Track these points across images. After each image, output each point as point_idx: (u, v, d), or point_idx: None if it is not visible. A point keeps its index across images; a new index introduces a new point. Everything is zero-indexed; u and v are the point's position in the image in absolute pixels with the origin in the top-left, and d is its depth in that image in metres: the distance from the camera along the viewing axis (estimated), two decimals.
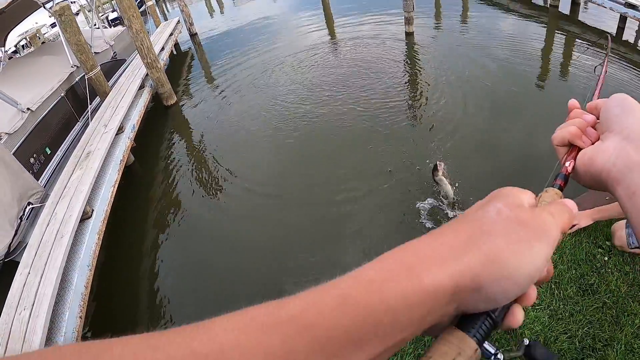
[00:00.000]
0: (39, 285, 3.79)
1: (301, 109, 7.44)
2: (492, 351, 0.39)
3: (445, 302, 0.35)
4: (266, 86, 8.87)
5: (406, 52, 8.88)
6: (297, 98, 7.91)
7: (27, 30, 22.07)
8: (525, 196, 0.43)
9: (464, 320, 0.38)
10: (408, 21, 9.38)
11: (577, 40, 8.11)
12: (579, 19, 8.99)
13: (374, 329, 0.32)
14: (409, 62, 8.43)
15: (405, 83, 7.63)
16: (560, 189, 0.51)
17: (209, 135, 7.66)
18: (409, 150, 5.64)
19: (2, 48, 10.90)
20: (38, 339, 3.25)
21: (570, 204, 0.44)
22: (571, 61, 7.34)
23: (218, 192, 6.01)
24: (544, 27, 8.98)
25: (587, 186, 0.54)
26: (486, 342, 0.38)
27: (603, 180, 0.50)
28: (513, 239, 0.37)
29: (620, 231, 2.84)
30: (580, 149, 0.55)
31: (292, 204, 5.34)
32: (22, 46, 23.98)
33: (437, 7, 11.17)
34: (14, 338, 3.33)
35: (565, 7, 9.33)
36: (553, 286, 2.80)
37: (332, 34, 11.43)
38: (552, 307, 2.70)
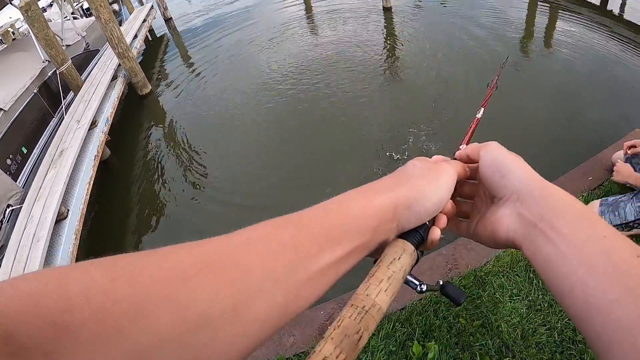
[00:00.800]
0: None
1: (280, 90, 7.41)
2: (417, 282, 0.52)
3: (390, 217, 0.50)
4: (245, 67, 8.80)
5: (385, 26, 8.76)
6: (276, 78, 7.88)
7: (1, 26, 21.59)
8: (432, 158, 0.60)
9: (402, 235, 0.53)
10: None
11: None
12: None
13: (345, 231, 0.45)
14: (389, 37, 8.31)
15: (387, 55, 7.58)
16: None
17: (186, 121, 7.59)
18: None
19: None
20: None
21: (461, 163, 0.60)
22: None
23: (198, 182, 5.95)
24: None
25: (495, 247, 0.59)
26: (411, 276, 0.52)
27: (510, 246, 0.54)
28: (426, 177, 0.54)
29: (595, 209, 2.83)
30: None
31: (277, 191, 5.33)
32: None
33: None
34: None
35: None
36: (531, 275, 2.72)
37: (308, 9, 11.24)
38: (530, 298, 2.62)
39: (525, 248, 0.50)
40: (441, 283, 0.55)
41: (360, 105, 6.36)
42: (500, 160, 0.54)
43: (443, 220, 0.56)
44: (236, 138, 6.52)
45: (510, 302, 2.63)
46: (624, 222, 2.70)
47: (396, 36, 8.46)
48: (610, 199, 2.88)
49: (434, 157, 0.60)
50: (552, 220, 0.47)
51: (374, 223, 0.48)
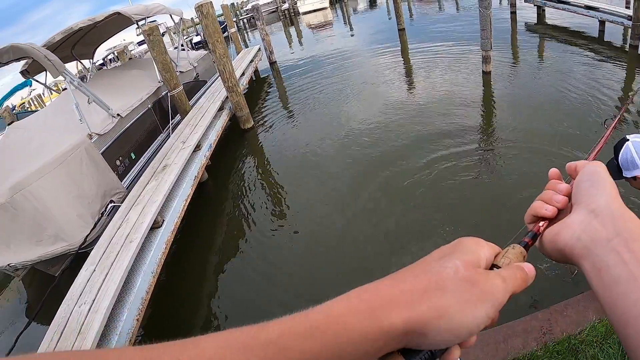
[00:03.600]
0: (102, 283, 3.98)
1: (373, 150, 7.31)
2: None
3: (397, 340, 0.41)
4: (340, 120, 9.06)
5: (483, 92, 8.71)
6: (369, 137, 7.81)
7: (115, 46, 23.89)
8: (484, 252, 0.49)
9: (408, 350, 0.44)
10: (486, 60, 9.09)
11: None
12: None
13: (338, 356, 0.39)
14: (486, 104, 8.20)
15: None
16: (527, 247, 0.55)
17: (280, 163, 7.93)
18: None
19: (91, 60, 12.01)
20: (94, 333, 3.39)
21: (528, 268, 0.50)
22: None
23: (285, 220, 6.13)
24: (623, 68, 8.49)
25: (555, 260, 0.55)
26: None
27: (567, 254, 0.51)
28: (462, 298, 0.43)
29: None
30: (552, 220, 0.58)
31: (358, 245, 5.20)
32: (109, 60, 25.98)
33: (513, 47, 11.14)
34: (69, 328, 3.52)
35: None
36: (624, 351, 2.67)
37: (408, 70, 11.58)
38: None
39: (589, 261, 0.47)
40: None
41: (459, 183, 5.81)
42: (598, 174, 0.54)
43: (471, 343, 0.46)
44: (324, 192, 6.53)
45: None
46: None
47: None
48: None
49: (486, 249, 0.50)
50: (629, 241, 0.45)
51: (375, 346, 0.41)
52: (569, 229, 0.51)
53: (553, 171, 0.64)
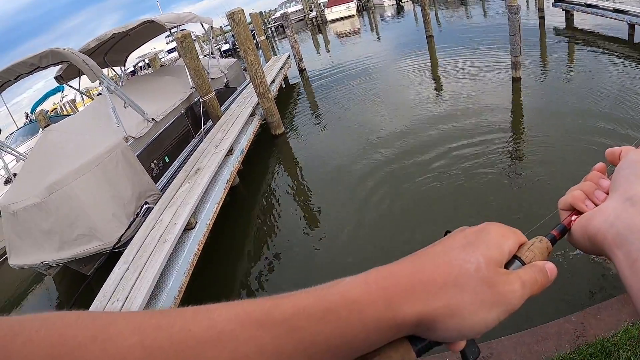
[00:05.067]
0: (135, 281, 4.06)
1: (404, 159, 7.14)
2: None
3: (408, 329, 0.41)
4: (369, 127, 8.98)
5: (513, 98, 8.52)
6: (399, 146, 7.64)
7: (146, 54, 24.48)
8: (508, 244, 0.48)
9: (415, 336, 0.44)
10: (515, 66, 8.89)
11: None
12: None
13: (350, 341, 0.39)
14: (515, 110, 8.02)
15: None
16: (554, 240, 0.53)
17: (310, 170, 7.97)
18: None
19: (123, 67, 12.34)
20: None
21: (550, 270, 0.48)
22: None
23: (314, 227, 6.11)
24: None
25: (585, 250, 0.53)
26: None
27: (599, 242, 0.48)
28: (478, 299, 0.42)
29: None
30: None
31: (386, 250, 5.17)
32: (140, 67, 26.63)
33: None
34: None
35: None
36: None
37: (436, 76, 11.52)
38: None
39: (622, 251, 0.44)
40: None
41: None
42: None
43: (462, 344, 0.45)
44: (341, 196, 6.58)
45: None
46: None
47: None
48: None
49: (512, 240, 0.48)
50: None
51: (387, 335, 0.41)
52: (602, 214, 0.49)
53: (599, 165, 0.60)
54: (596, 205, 0.53)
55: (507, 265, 0.47)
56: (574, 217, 0.54)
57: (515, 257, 0.48)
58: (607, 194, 0.53)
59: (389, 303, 0.40)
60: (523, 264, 0.48)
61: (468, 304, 0.41)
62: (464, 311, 0.41)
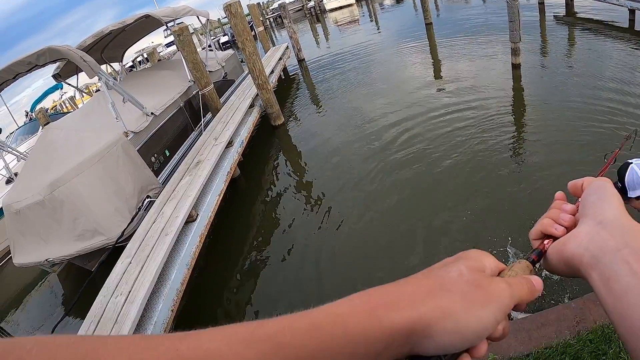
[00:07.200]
0: (138, 274, 4.12)
1: (404, 148, 7.17)
2: None
3: (401, 342, 0.41)
4: (369, 116, 8.98)
5: (513, 85, 8.49)
6: (399, 135, 7.67)
7: (144, 48, 24.44)
8: (489, 261, 0.50)
9: (416, 356, 0.43)
10: (514, 52, 8.85)
11: None
12: None
13: (336, 355, 0.39)
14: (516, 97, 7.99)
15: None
16: (533, 262, 0.55)
17: (311, 160, 8.02)
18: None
19: (120, 62, 12.44)
20: (130, 323, 3.50)
21: (535, 280, 0.50)
22: None
23: (315, 217, 6.13)
24: None
25: (560, 274, 0.55)
26: None
27: (575, 265, 0.50)
28: (468, 298, 0.43)
29: None
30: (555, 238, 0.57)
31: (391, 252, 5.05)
32: (139, 62, 26.60)
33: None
34: (106, 318, 3.66)
35: None
36: None
37: (436, 63, 11.55)
38: None
39: (596, 271, 0.46)
40: None
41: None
42: (605, 188, 0.54)
43: (482, 351, 0.45)
44: (342, 186, 6.61)
45: None
46: None
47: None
48: None
49: (491, 260, 0.51)
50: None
51: (375, 348, 0.40)
52: (575, 239, 0.51)
53: (559, 194, 0.64)
54: (565, 227, 0.57)
55: None
56: (547, 241, 0.57)
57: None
58: (573, 215, 0.58)
59: (373, 313, 0.41)
60: None
61: (458, 303, 0.42)
62: (456, 310, 0.42)
